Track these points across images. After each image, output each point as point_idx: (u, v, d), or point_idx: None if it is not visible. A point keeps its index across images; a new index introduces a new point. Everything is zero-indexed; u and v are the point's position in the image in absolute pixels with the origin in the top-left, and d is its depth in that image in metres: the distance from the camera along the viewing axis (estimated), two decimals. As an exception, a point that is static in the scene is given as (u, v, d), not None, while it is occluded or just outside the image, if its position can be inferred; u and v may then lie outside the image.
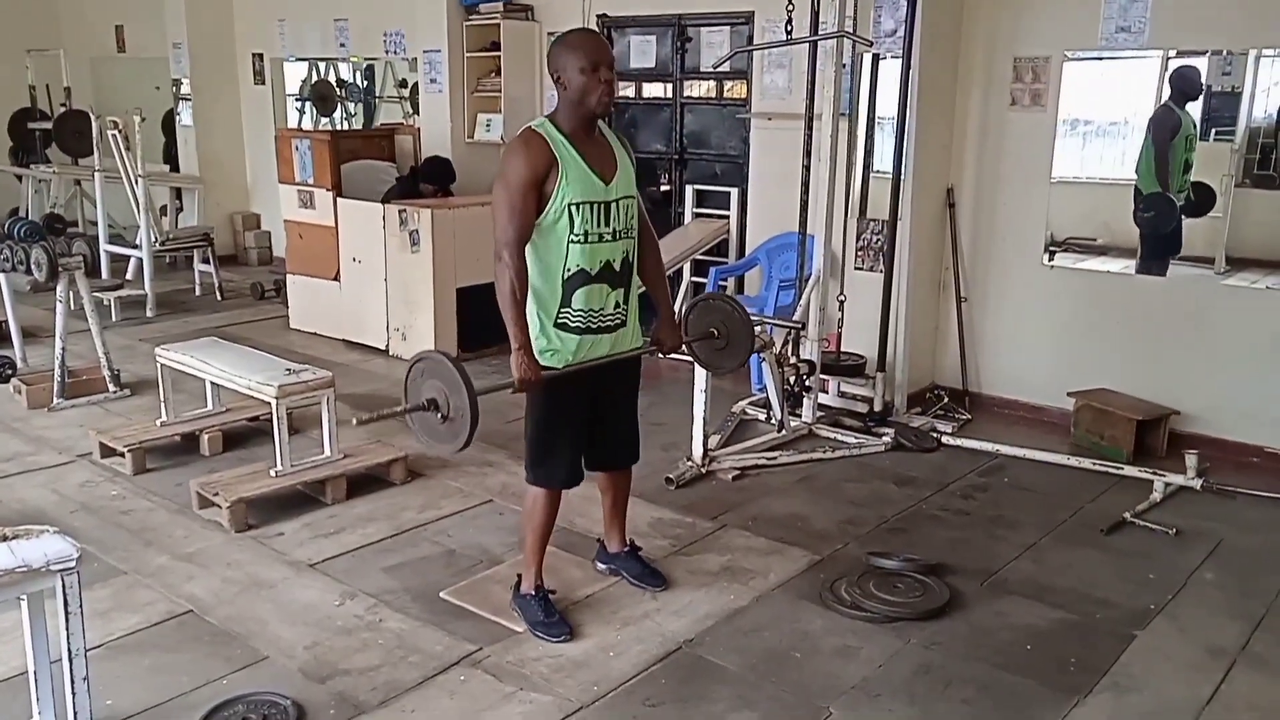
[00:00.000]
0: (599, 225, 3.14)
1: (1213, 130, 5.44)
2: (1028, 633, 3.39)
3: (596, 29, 3.27)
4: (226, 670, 3.13)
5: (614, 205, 3.17)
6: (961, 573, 3.75)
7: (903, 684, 3.09)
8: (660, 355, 3.56)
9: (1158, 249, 5.53)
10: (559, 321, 3.17)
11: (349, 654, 3.22)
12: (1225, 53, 5.06)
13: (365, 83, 9.74)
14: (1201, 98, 5.31)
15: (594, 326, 3.19)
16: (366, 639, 3.31)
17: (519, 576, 3.44)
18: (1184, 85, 5.29)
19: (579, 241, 3.11)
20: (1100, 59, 5.40)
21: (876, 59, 5.47)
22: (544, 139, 3.10)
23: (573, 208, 3.09)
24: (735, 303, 3.76)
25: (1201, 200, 5.34)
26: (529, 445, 3.33)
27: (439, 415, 2.92)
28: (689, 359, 3.86)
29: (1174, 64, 5.30)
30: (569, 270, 3.13)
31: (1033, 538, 4.09)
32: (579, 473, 3.38)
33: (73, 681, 2.59)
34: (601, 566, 3.73)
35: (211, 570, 3.77)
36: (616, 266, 3.19)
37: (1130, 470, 4.66)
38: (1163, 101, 5.35)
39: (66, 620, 2.55)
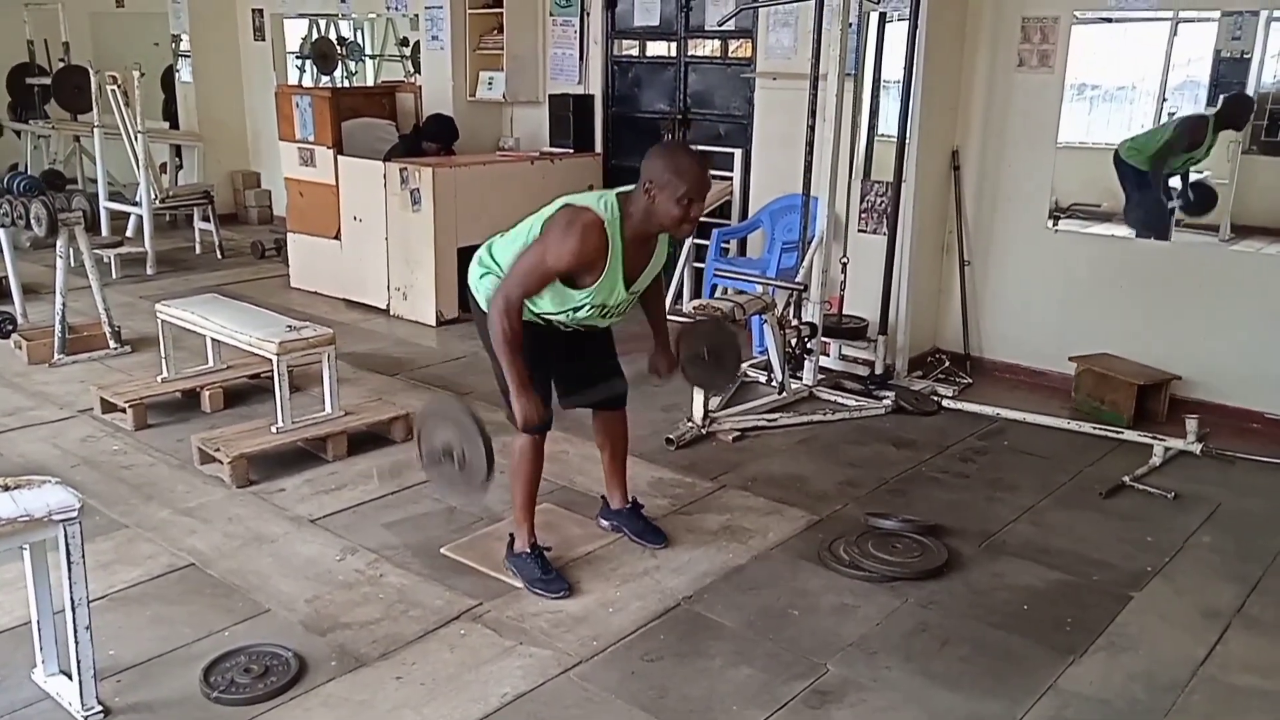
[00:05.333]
0: (598, 316, 3.20)
1: (1221, 96, 5.40)
2: (1025, 593, 3.40)
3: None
4: (228, 622, 3.15)
5: (624, 303, 3.20)
6: (960, 534, 3.77)
7: (900, 642, 3.11)
8: (656, 381, 3.57)
9: (1146, 212, 5.52)
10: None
11: (350, 608, 3.24)
12: (1236, 15, 5.00)
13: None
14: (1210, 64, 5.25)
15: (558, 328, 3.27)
16: (367, 593, 3.33)
17: (511, 535, 3.45)
18: (1235, 111, 5.22)
19: (573, 316, 3.17)
20: (1110, 20, 5.34)
21: (883, 18, 5.41)
22: (605, 239, 3.01)
23: (587, 305, 3.12)
24: (720, 324, 3.79)
25: (1202, 199, 5.30)
26: (508, 393, 3.32)
27: (455, 462, 2.96)
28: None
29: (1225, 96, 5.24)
30: (550, 316, 3.20)
31: (1031, 500, 4.10)
32: (550, 415, 3.35)
33: (75, 631, 2.60)
34: (604, 523, 3.75)
35: (213, 525, 3.78)
36: (599, 325, 3.27)
37: (1130, 435, 4.66)
38: (1206, 115, 5.27)
39: (69, 570, 2.57)
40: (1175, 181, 5.49)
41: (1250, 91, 5.24)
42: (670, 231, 3.12)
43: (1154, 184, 5.50)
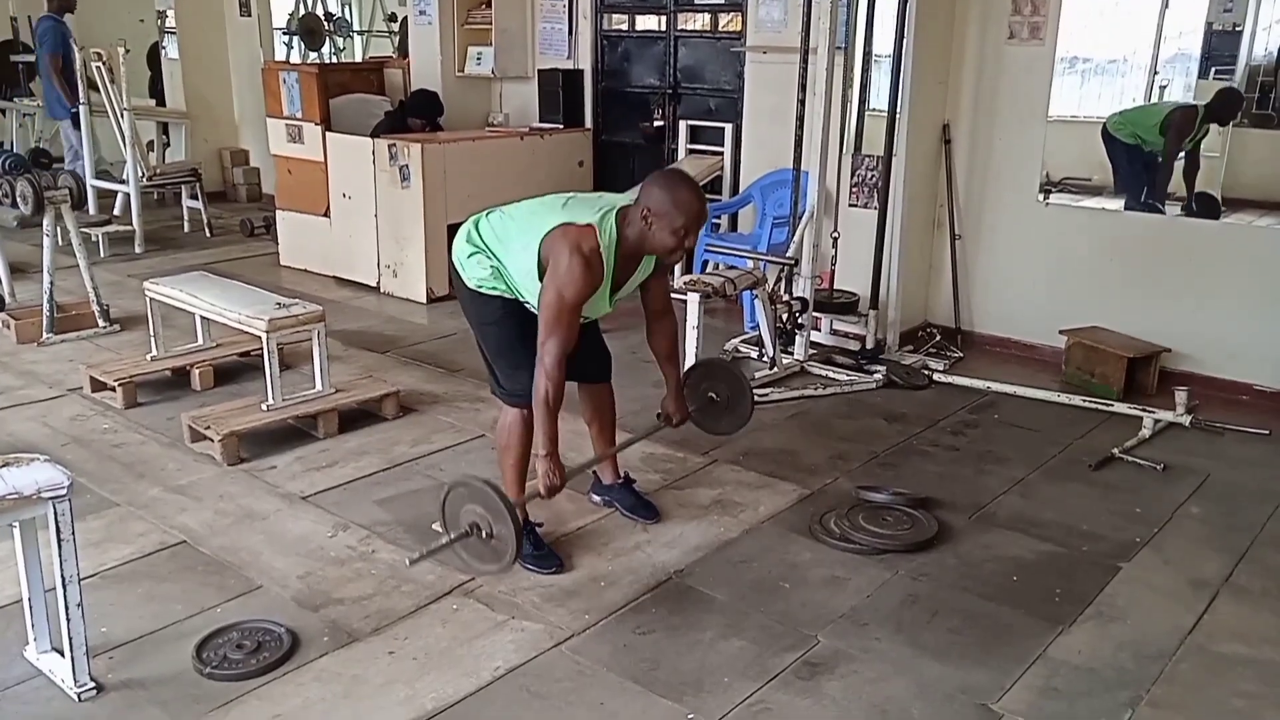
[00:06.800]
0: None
1: (1213, 69, 5.40)
2: (1014, 564, 3.42)
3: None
4: (220, 599, 3.15)
5: (605, 314, 3.25)
6: (950, 506, 3.78)
7: (890, 613, 3.12)
8: (669, 427, 3.57)
9: (1134, 183, 5.54)
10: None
11: (342, 584, 3.25)
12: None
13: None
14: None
15: None
16: (359, 569, 3.33)
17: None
18: (1224, 105, 5.24)
19: None
20: (1101, -8, 5.33)
21: (874, -10, 5.38)
22: (603, 263, 3.03)
23: None
24: (729, 365, 3.92)
25: (1205, 209, 5.33)
26: (497, 365, 3.34)
27: (483, 538, 2.91)
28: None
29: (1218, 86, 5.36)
30: (533, 308, 3.16)
31: (1021, 473, 4.11)
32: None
33: (66, 608, 2.60)
34: (596, 498, 3.76)
35: (204, 502, 3.78)
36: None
37: (1120, 407, 4.68)
38: (1196, 105, 5.30)
39: (59, 547, 2.56)
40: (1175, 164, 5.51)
41: (1241, 63, 5.25)
42: (661, 258, 3.17)
43: (1143, 160, 5.50)
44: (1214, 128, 5.37)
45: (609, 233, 3.03)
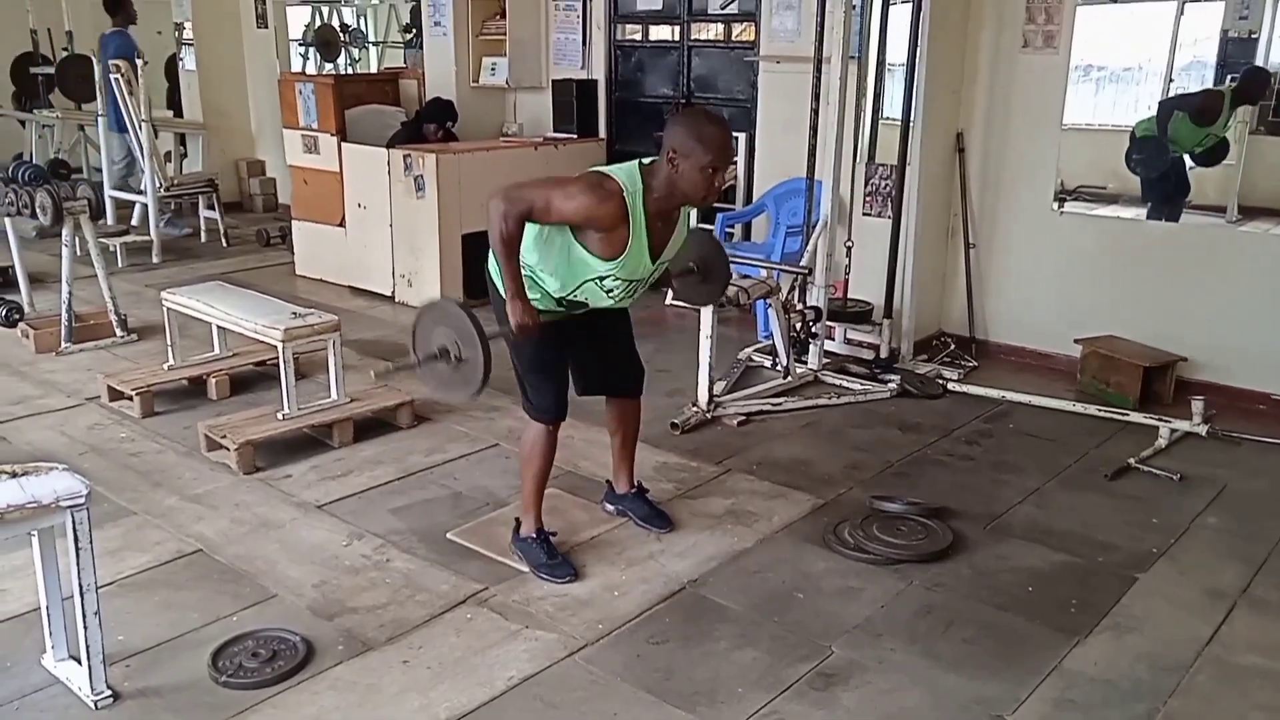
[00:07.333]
0: (624, 292, 3.14)
1: (1229, 77, 5.37)
2: (1029, 575, 3.41)
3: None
4: (236, 608, 3.17)
5: (651, 274, 3.17)
6: (965, 516, 3.77)
7: (904, 624, 3.11)
8: None
9: (1160, 193, 5.51)
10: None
11: (356, 592, 3.26)
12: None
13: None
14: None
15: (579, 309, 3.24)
16: (374, 578, 3.34)
17: (517, 520, 3.47)
18: (1252, 84, 5.20)
19: (599, 289, 3.10)
20: (1115, 0, 5.31)
21: (886, 0, 5.38)
22: (626, 210, 2.95)
23: (612, 279, 3.06)
24: (708, 235, 3.78)
25: (1212, 149, 5.29)
26: (528, 379, 3.33)
27: (451, 362, 2.90)
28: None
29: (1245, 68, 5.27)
30: (575, 294, 3.14)
31: (1036, 482, 4.10)
32: (566, 405, 3.38)
33: (84, 616, 2.62)
34: (610, 508, 3.76)
35: (220, 511, 3.80)
36: (623, 302, 3.24)
37: (1136, 416, 4.65)
38: (1221, 89, 5.27)
39: (77, 556, 2.58)
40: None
41: (1261, 69, 5.21)
42: (693, 202, 3.06)
43: (1169, 157, 5.46)
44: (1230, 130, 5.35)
45: (634, 179, 2.97)
